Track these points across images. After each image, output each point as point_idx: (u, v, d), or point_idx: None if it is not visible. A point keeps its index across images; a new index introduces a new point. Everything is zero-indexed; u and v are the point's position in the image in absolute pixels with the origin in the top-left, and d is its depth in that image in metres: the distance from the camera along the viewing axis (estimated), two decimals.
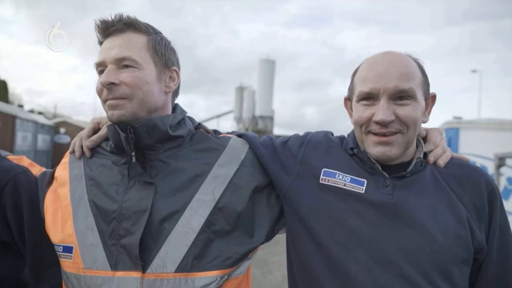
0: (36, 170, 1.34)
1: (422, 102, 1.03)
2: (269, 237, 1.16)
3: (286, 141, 1.25)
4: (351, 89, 1.12)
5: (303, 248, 1.08)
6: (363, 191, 1.04)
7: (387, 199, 1.01)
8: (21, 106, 19.21)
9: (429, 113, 1.10)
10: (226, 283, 1.03)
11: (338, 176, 1.08)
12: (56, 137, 16.86)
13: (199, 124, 1.24)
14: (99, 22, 1.05)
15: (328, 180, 1.09)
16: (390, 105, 1.00)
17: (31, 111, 22.39)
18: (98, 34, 1.07)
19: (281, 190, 1.16)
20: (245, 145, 1.21)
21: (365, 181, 1.05)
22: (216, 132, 1.27)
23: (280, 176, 1.16)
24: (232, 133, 1.30)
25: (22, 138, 13.25)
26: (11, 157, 1.40)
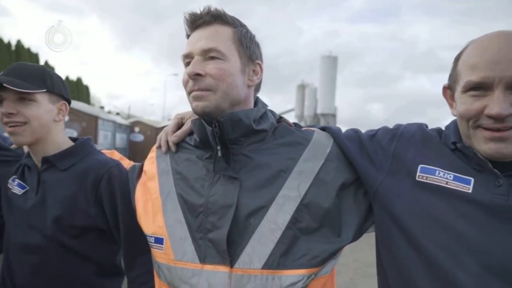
0: (126, 163, 1.43)
1: None
2: (356, 236, 1.09)
3: (374, 134, 1.16)
4: (453, 77, 1.00)
5: (398, 250, 0.99)
6: (470, 191, 0.91)
7: (501, 201, 0.88)
8: (102, 107, 21.10)
9: None
10: (312, 282, 0.99)
11: (439, 173, 0.97)
12: (131, 136, 18.20)
13: (280, 117, 1.20)
14: (187, 15, 1.06)
15: (427, 177, 0.98)
16: (507, 96, 0.85)
17: (109, 112, 24.46)
18: (186, 27, 1.08)
19: (371, 187, 1.08)
20: (330, 139, 1.15)
21: (472, 179, 0.92)
22: (296, 125, 1.23)
23: (369, 172, 1.08)
24: (314, 126, 1.25)
25: (103, 137, 14.54)
26: (104, 151, 1.51)
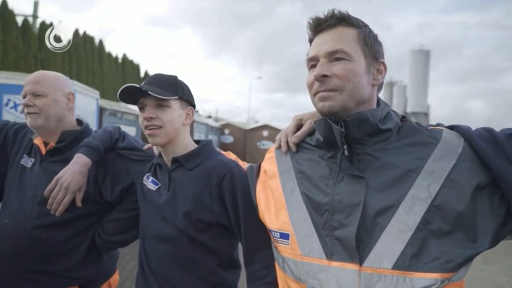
0: (241, 163, 1.53)
1: None
2: (493, 243, 1.00)
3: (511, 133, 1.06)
4: None
5: None
6: None
7: None
8: (197, 111, 22.70)
9: None
10: (445, 287, 0.94)
11: None
12: (221, 137, 19.20)
13: (403, 116, 1.17)
14: (311, 20, 1.10)
15: None
16: None
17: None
18: (309, 31, 1.12)
19: (510, 190, 0.99)
20: (460, 138, 1.08)
21: None
22: (418, 124, 1.19)
23: (508, 174, 0.99)
24: (440, 125, 1.18)
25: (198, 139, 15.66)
26: (222, 152, 1.63)
